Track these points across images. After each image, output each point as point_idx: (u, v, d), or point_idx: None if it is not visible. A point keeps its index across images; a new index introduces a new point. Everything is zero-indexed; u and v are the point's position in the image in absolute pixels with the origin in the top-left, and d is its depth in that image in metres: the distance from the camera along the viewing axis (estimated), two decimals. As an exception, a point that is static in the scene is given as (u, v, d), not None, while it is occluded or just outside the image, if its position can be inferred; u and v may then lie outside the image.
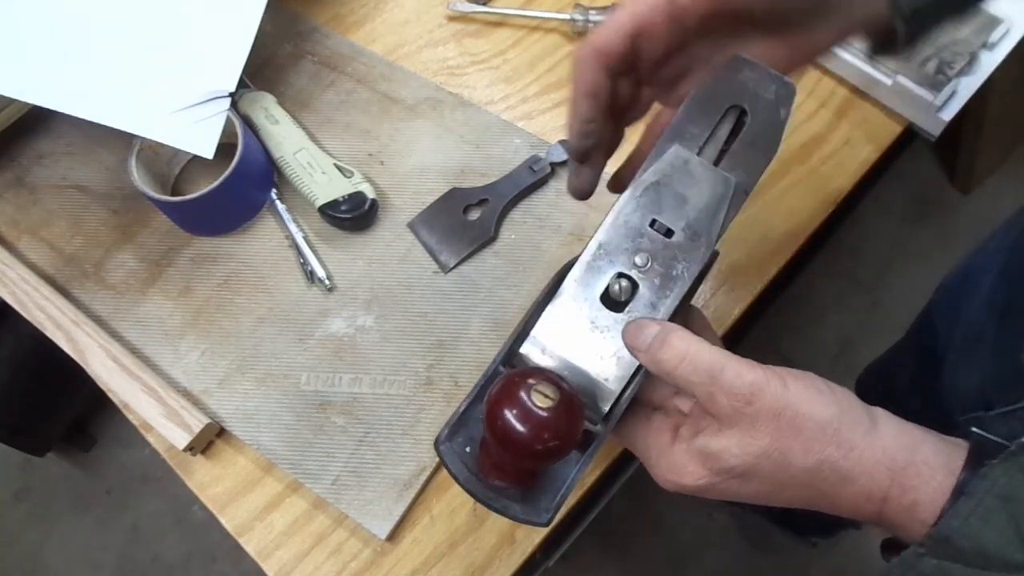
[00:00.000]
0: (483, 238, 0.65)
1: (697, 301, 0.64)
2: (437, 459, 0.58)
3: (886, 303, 1.59)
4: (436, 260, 0.65)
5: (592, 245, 0.42)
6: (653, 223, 0.41)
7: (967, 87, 0.68)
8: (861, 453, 0.35)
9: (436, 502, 0.57)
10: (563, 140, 0.68)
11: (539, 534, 0.56)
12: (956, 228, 1.66)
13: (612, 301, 0.41)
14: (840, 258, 1.63)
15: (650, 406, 0.42)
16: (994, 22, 0.69)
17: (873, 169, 0.69)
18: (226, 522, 0.58)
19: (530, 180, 0.66)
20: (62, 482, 1.56)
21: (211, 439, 0.60)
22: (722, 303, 0.64)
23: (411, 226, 0.67)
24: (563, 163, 0.67)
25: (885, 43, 0.44)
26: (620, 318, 0.41)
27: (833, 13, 0.41)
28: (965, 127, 1.55)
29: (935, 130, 0.69)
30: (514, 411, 0.36)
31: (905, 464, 0.34)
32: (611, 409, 0.41)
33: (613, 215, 0.42)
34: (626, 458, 0.60)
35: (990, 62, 0.69)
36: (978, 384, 0.36)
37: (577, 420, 0.37)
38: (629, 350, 0.39)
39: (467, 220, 0.66)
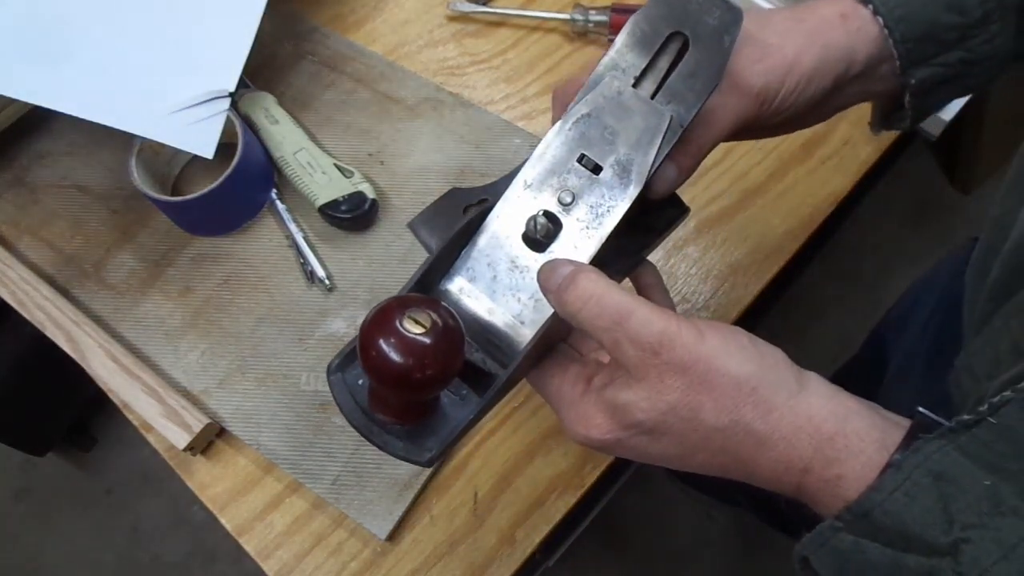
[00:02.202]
0: (483, 238, 0.65)
1: (698, 300, 0.64)
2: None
3: (886, 303, 1.59)
4: (436, 260, 0.65)
5: (517, 180, 0.40)
6: (581, 158, 0.39)
7: (967, 87, 0.68)
8: (781, 417, 0.32)
9: (436, 502, 0.57)
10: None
11: (539, 533, 0.56)
12: (956, 228, 1.66)
13: (535, 240, 0.39)
14: (840, 258, 1.63)
15: (571, 358, 0.39)
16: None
17: (873, 169, 0.69)
18: (226, 522, 0.58)
19: (530, 180, 0.66)
20: (62, 482, 1.55)
21: (211, 439, 0.60)
22: (722, 303, 0.64)
23: (411, 226, 0.66)
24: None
25: (892, 117, 0.44)
26: (541, 258, 0.39)
27: (845, 91, 0.41)
28: (965, 127, 1.55)
29: (935, 130, 0.69)
30: (385, 338, 0.33)
31: (832, 434, 0.31)
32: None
33: (540, 148, 0.39)
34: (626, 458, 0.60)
35: (990, 62, 0.69)
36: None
37: (454, 350, 0.35)
38: (542, 291, 0.36)
39: (467, 220, 0.66)
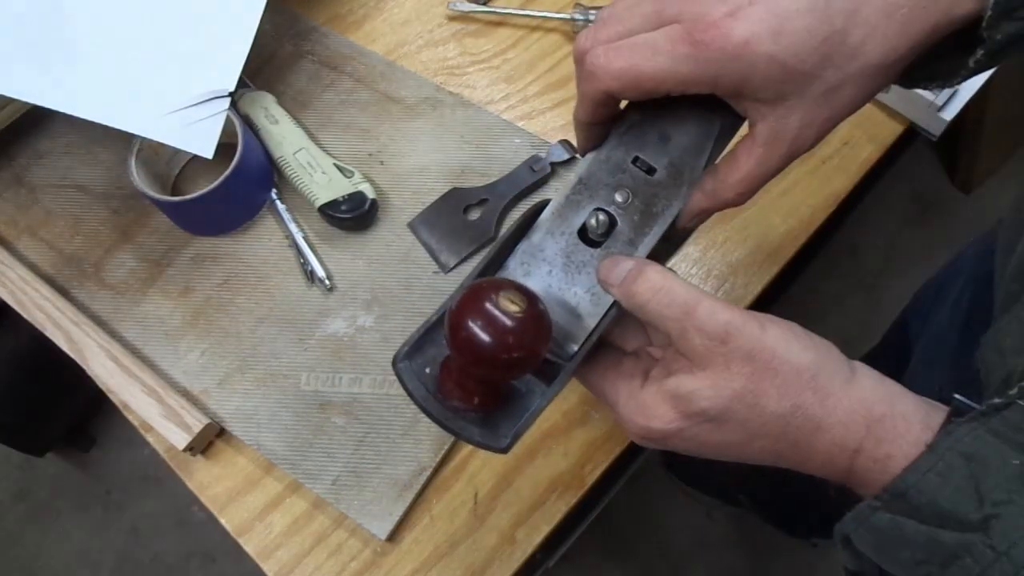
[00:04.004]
0: (483, 238, 0.65)
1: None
2: (438, 459, 0.58)
3: (886, 303, 1.59)
4: (436, 260, 0.65)
5: (572, 179, 0.41)
6: (636, 160, 0.40)
7: (968, 87, 0.68)
8: (838, 401, 0.34)
9: (436, 502, 0.57)
10: (563, 140, 0.68)
11: (539, 533, 0.56)
12: (956, 228, 1.66)
13: (589, 237, 0.41)
14: (840, 258, 1.62)
15: (622, 353, 0.41)
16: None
17: (874, 169, 0.69)
18: (226, 522, 0.58)
19: (530, 180, 0.66)
20: (62, 482, 1.55)
21: (211, 439, 0.60)
22: (722, 303, 0.64)
23: (411, 226, 0.67)
24: (564, 163, 0.67)
25: (943, 64, 0.38)
26: (597, 254, 0.40)
27: (844, 63, 0.35)
28: (966, 127, 1.55)
29: (936, 130, 0.69)
30: (478, 318, 0.34)
31: (882, 415, 0.33)
32: (580, 345, 0.40)
33: (596, 150, 0.41)
34: (626, 458, 0.60)
35: (991, 62, 0.69)
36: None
37: (543, 333, 0.36)
38: (602, 285, 0.38)
39: (467, 220, 0.66)
